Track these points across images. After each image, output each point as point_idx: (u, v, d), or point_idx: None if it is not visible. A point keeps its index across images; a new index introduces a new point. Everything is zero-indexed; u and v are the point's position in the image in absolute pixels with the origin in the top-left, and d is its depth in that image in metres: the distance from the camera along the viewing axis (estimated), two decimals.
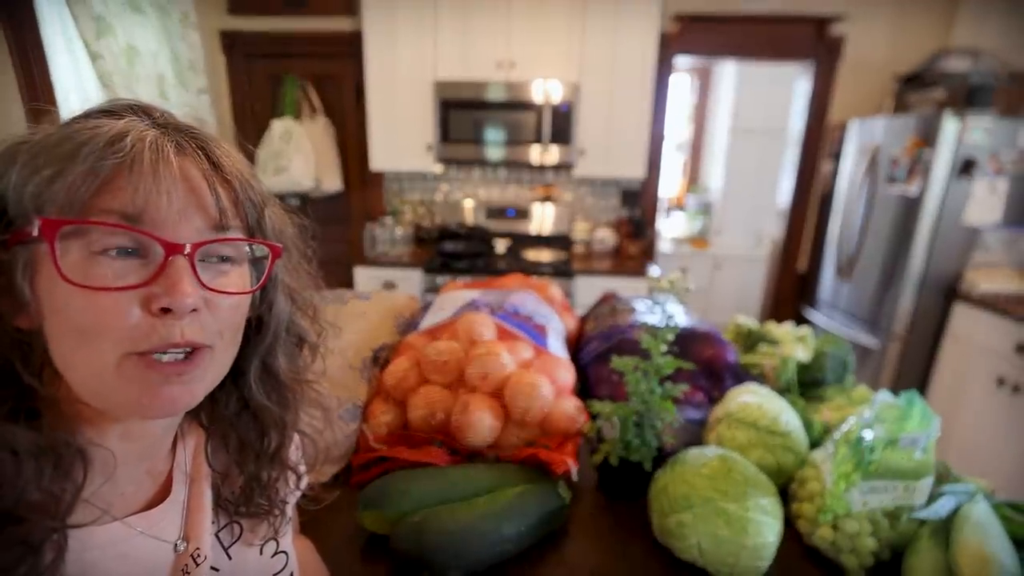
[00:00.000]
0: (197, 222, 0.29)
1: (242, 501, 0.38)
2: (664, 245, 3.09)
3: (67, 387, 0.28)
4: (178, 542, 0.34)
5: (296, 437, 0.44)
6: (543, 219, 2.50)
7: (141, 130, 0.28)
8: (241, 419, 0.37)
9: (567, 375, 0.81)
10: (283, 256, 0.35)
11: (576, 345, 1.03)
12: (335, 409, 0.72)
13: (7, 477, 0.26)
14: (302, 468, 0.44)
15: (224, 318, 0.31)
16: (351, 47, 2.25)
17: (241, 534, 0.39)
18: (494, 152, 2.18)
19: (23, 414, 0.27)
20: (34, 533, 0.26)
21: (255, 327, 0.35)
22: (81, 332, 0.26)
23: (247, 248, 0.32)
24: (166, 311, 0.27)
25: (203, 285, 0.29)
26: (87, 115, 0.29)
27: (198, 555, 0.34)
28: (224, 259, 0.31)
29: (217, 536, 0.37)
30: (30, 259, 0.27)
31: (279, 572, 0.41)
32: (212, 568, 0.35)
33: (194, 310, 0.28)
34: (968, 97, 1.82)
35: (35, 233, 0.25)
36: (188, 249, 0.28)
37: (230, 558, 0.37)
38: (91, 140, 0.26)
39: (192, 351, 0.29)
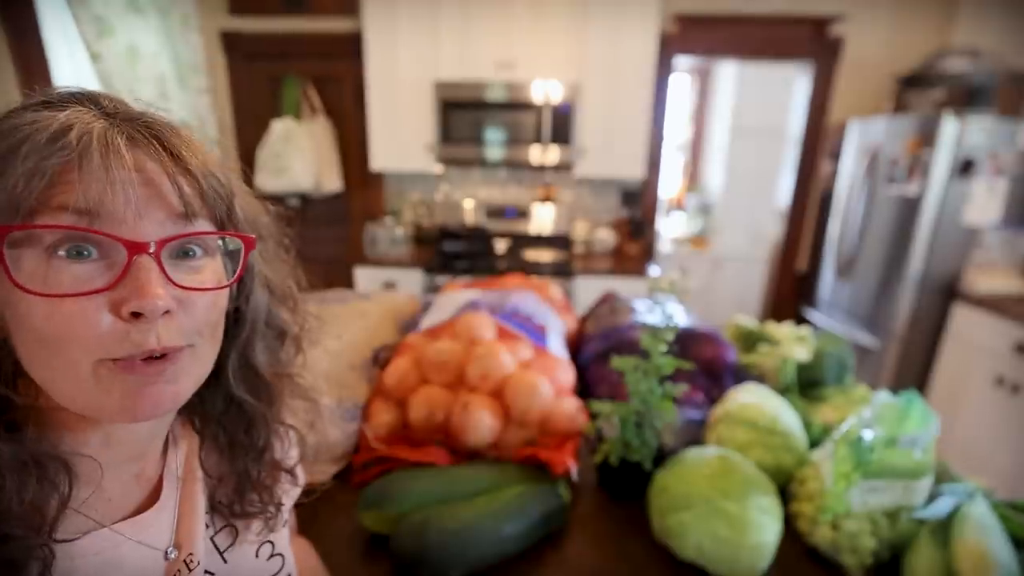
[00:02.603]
0: (160, 217, 0.27)
1: (235, 499, 0.37)
2: (664, 245, 3.09)
3: (45, 395, 0.27)
4: (168, 549, 0.33)
5: (292, 436, 0.43)
6: (543, 219, 2.50)
7: (87, 122, 0.26)
8: (227, 415, 0.37)
9: (567, 375, 0.81)
10: (259, 246, 0.33)
11: (576, 345, 1.03)
12: (324, 402, 0.71)
13: None
14: (290, 462, 0.43)
15: (200, 317, 0.29)
16: (351, 47, 2.25)
17: (237, 537, 0.38)
18: (494, 152, 2.18)
19: (2, 426, 0.26)
20: (18, 550, 0.25)
21: (233, 320, 0.34)
22: (49, 342, 0.25)
23: (219, 241, 0.31)
24: (137, 315, 0.26)
25: (173, 284, 0.27)
26: (24, 107, 0.27)
27: (191, 560, 0.33)
28: (194, 254, 0.29)
29: (213, 540, 0.36)
30: None
31: (275, 575, 0.41)
32: (207, 572, 0.35)
33: (167, 312, 0.27)
34: (968, 97, 1.82)
35: None
36: (153, 247, 0.26)
37: (225, 562, 0.37)
38: (31, 136, 0.24)
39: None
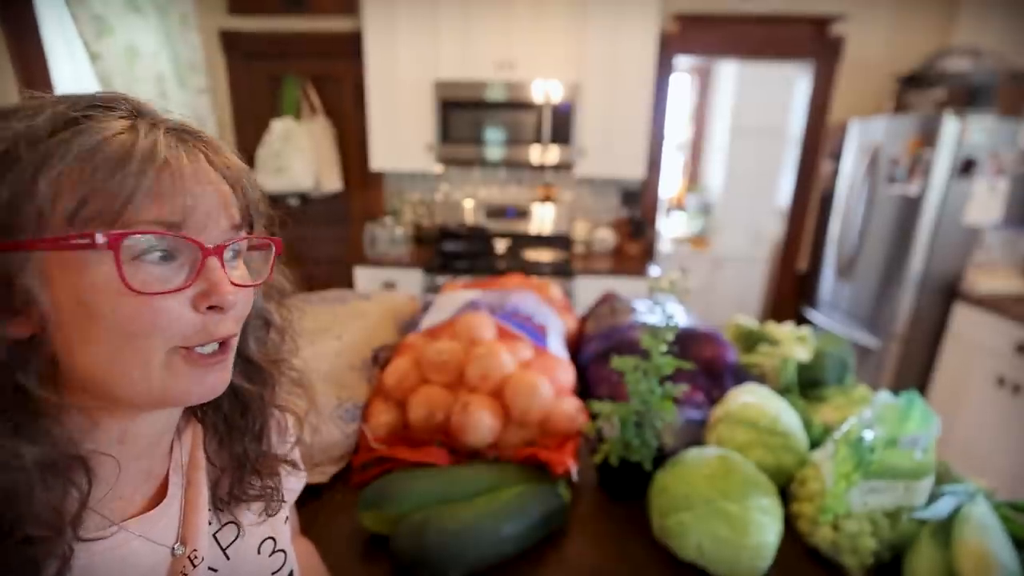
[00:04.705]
0: (224, 226, 0.31)
1: (235, 482, 0.38)
2: (664, 245, 3.09)
3: (71, 392, 0.28)
4: (175, 547, 0.34)
5: (289, 420, 0.44)
6: (543, 219, 2.50)
7: (167, 143, 0.29)
8: (224, 399, 0.38)
9: (567, 375, 0.81)
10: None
11: (576, 345, 1.03)
12: (323, 401, 0.72)
13: (18, 494, 0.25)
14: (287, 445, 0.44)
15: (241, 310, 0.33)
16: (351, 47, 2.25)
17: (239, 533, 0.39)
18: (494, 152, 2.18)
19: (26, 427, 0.26)
20: (40, 549, 0.26)
21: None
22: (130, 335, 0.27)
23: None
24: (212, 308, 0.30)
25: (231, 282, 0.31)
26: (92, 105, 0.28)
27: (195, 556, 0.34)
28: (233, 255, 0.33)
29: (215, 537, 0.37)
30: (43, 266, 0.26)
31: (277, 571, 0.41)
32: (210, 569, 0.36)
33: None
34: (969, 97, 1.82)
35: (100, 243, 0.26)
36: (217, 251, 0.30)
37: (228, 558, 0.37)
38: (130, 154, 0.27)
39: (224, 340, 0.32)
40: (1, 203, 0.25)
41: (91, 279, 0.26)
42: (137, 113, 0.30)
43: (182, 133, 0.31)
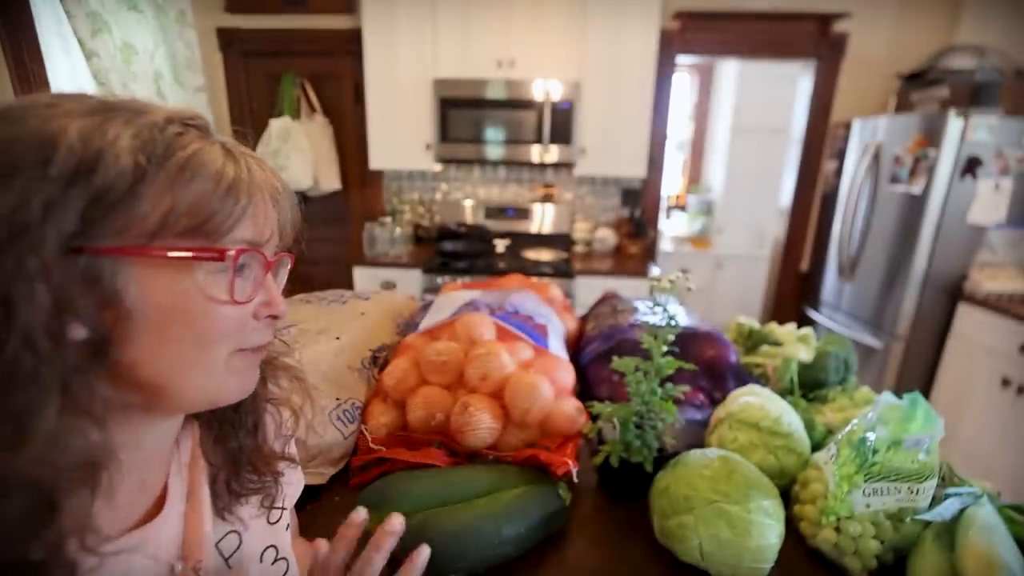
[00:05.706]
0: (275, 241, 0.35)
1: (232, 478, 0.38)
2: (665, 245, 3.09)
3: (123, 394, 0.28)
4: (176, 563, 0.33)
5: (285, 415, 0.43)
6: (543, 218, 2.50)
7: (258, 170, 0.32)
8: None
9: (567, 375, 0.80)
10: None
11: (576, 345, 1.02)
12: (322, 403, 0.71)
13: (39, 507, 0.24)
14: (284, 439, 0.44)
15: None
16: (350, 45, 2.25)
17: (240, 544, 0.38)
18: (494, 151, 2.17)
19: (71, 426, 0.25)
20: (43, 566, 0.25)
21: None
22: (205, 338, 0.30)
23: None
24: (269, 317, 0.34)
25: None
26: (185, 122, 0.30)
27: (199, 566, 0.34)
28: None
29: (217, 547, 0.37)
30: (136, 270, 0.27)
31: None
32: None
33: None
34: (973, 95, 1.81)
35: (228, 258, 0.29)
36: (271, 265, 0.34)
37: (229, 567, 0.37)
38: (240, 181, 0.30)
39: None
40: (136, 214, 0.26)
41: (186, 286, 0.28)
42: (207, 131, 0.32)
43: (259, 161, 0.34)
